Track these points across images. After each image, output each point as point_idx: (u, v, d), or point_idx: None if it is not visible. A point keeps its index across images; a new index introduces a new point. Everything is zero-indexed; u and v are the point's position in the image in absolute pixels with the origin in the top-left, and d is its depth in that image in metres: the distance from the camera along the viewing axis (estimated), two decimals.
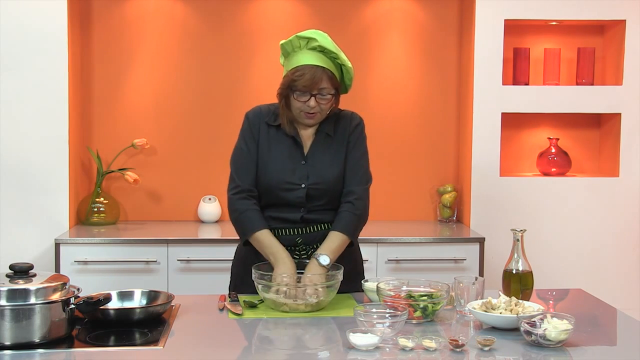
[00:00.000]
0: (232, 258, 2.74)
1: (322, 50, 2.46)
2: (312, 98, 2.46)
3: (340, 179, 2.57)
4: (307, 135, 2.58)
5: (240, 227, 2.54)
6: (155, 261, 3.61)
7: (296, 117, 2.53)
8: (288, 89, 2.48)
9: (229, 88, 4.14)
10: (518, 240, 2.41)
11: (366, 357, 1.92)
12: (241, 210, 2.52)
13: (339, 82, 2.52)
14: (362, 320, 2.07)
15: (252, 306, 2.36)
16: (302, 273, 2.41)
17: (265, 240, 2.48)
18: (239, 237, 2.58)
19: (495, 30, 3.93)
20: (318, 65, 2.45)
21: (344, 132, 2.60)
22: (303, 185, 2.52)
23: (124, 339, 2.08)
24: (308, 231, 2.56)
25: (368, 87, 4.19)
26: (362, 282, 2.49)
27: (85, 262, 3.57)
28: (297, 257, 2.51)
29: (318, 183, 2.53)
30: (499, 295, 2.29)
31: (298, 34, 2.48)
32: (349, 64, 2.51)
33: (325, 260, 2.42)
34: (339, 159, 2.57)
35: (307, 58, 2.45)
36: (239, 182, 2.55)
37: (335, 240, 2.49)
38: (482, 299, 2.28)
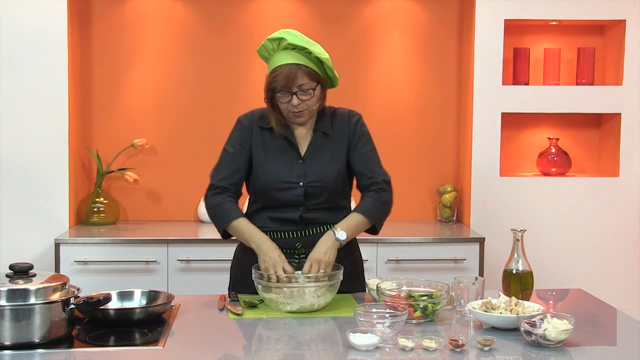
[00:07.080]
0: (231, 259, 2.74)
1: (294, 47, 2.46)
2: (294, 96, 2.46)
3: (340, 177, 2.56)
4: (302, 135, 2.58)
5: (217, 219, 2.55)
6: (155, 261, 3.61)
7: (286, 117, 2.54)
8: (270, 92, 2.49)
9: (229, 88, 4.14)
10: (518, 240, 2.40)
11: (366, 357, 1.92)
12: (215, 205, 2.54)
13: (322, 76, 2.51)
14: (362, 320, 2.07)
15: (252, 306, 2.37)
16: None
17: (243, 227, 2.48)
18: (219, 232, 2.58)
19: (495, 30, 3.93)
20: (291, 63, 2.44)
21: (342, 131, 2.59)
22: (301, 184, 2.52)
23: (124, 339, 2.09)
24: (307, 234, 2.54)
25: (368, 87, 4.19)
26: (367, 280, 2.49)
27: (85, 262, 3.57)
28: (297, 260, 2.49)
29: (316, 181, 2.53)
30: (499, 295, 2.29)
31: (268, 37, 2.48)
32: (325, 55, 2.49)
33: (342, 235, 2.43)
34: (338, 157, 2.56)
35: (282, 58, 2.46)
36: (212, 182, 2.58)
37: (353, 219, 2.50)
38: (482, 299, 2.28)
